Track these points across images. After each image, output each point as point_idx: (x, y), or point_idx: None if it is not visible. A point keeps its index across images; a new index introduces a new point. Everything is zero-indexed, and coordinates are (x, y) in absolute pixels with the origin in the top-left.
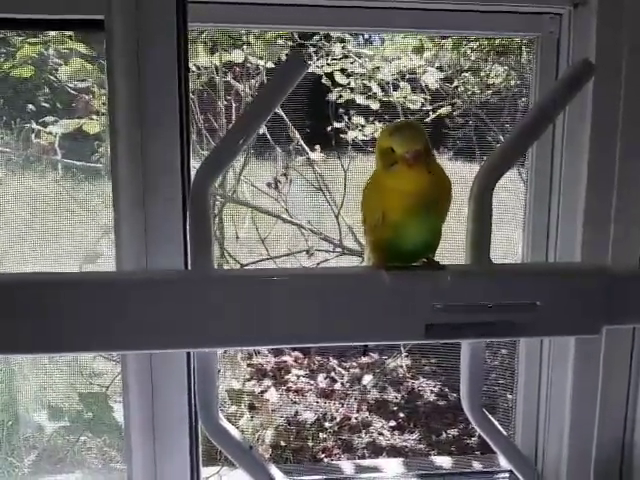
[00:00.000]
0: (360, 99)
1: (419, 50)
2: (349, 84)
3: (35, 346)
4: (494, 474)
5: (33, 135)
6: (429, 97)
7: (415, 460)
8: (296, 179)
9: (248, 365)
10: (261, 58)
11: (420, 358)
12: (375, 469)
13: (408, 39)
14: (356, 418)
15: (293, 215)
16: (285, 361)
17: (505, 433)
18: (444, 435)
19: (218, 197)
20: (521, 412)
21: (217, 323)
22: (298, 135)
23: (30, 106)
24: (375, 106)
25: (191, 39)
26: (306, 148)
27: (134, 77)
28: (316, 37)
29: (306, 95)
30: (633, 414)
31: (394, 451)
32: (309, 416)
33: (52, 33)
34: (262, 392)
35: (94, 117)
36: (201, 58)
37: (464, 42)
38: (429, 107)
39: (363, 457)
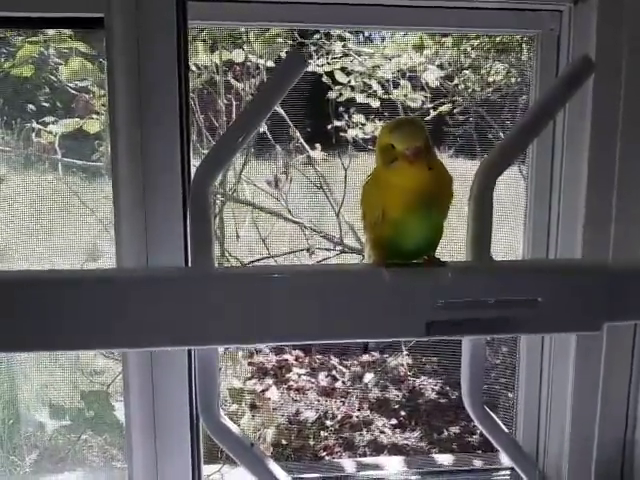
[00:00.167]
0: (360, 97)
1: (419, 48)
2: (349, 82)
3: (35, 343)
4: (495, 471)
5: (33, 134)
6: (429, 95)
7: (416, 458)
8: (296, 178)
9: (249, 364)
10: (261, 57)
11: (421, 356)
12: (376, 467)
13: (408, 37)
14: (357, 416)
15: (294, 214)
16: (286, 359)
17: (507, 430)
18: (445, 433)
19: (218, 196)
20: (522, 410)
21: (218, 321)
22: (298, 134)
23: (30, 105)
24: (375, 104)
25: (191, 38)
26: (306, 147)
27: (134, 76)
28: (316, 36)
29: (306, 94)
30: (634, 412)
31: (395, 449)
32: (310, 414)
33: (52, 32)
34: (263, 391)
35: (94, 116)
36: (201, 57)
37: (464, 40)
38: (429, 105)
39: (364, 455)
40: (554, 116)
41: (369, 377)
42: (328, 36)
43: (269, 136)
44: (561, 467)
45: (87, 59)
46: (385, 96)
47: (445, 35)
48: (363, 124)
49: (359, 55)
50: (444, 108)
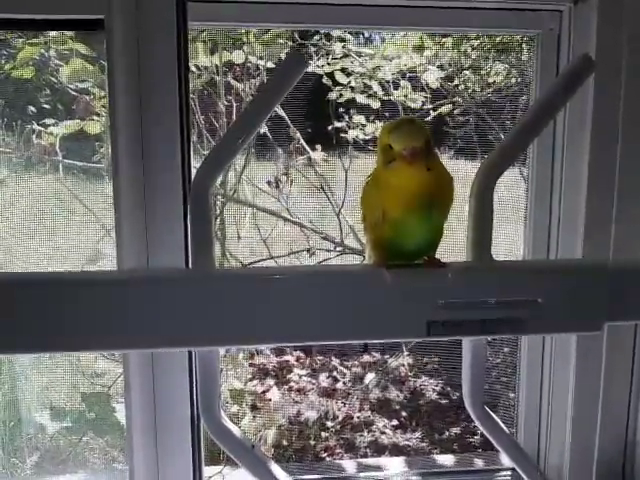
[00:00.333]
0: (361, 98)
1: (419, 48)
2: (349, 83)
3: (36, 345)
4: (496, 472)
5: (34, 136)
6: (430, 96)
7: (417, 458)
8: (297, 178)
9: (250, 365)
10: (261, 58)
11: (422, 357)
12: (377, 468)
13: (408, 37)
14: (358, 417)
15: (294, 214)
16: (287, 360)
17: (507, 431)
18: (446, 433)
19: (219, 197)
20: (523, 410)
21: (219, 322)
22: (299, 135)
23: (31, 107)
24: (376, 105)
25: (191, 39)
26: (307, 147)
27: (134, 77)
28: (316, 37)
29: (307, 94)
30: (635, 412)
31: (396, 450)
32: (311, 415)
33: (52, 33)
34: (264, 392)
35: (95, 117)
36: (201, 58)
37: (464, 40)
38: (430, 106)
39: (365, 456)
40: (554, 116)
41: (370, 378)
42: (328, 37)
43: (269, 137)
44: (562, 468)
45: (87, 60)
46: (385, 97)
47: (445, 36)
48: (363, 125)
49: (359, 56)
50: (444, 109)
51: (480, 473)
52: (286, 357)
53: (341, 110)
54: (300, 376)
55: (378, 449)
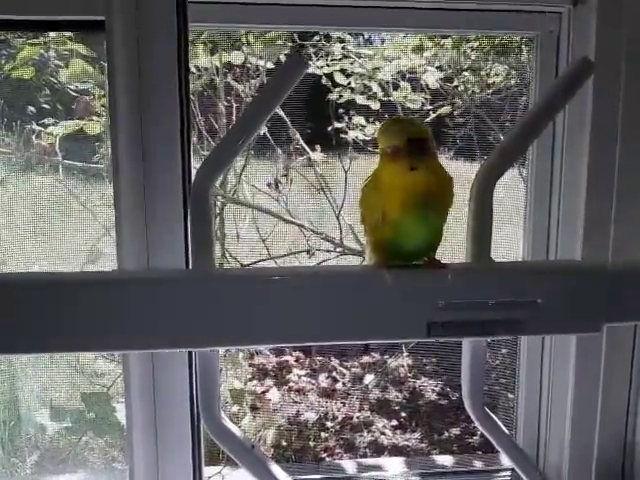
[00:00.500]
0: (360, 99)
1: (419, 50)
2: (349, 84)
3: (36, 345)
4: (496, 472)
5: (34, 136)
6: (429, 97)
7: (417, 459)
8: (297, 179)
9: (250, 365)
10: (261, 59)
11: (421, 357)
12: (377, 468)
13: (408, 39)
14: (358, 417)
15: (294, 215)
16: (286, 361)
17: (507, 431)
18: (446, 434)
19: (219, 197)
20: (522, 411)
21: (218, 322)
22: (298, 135)
23: (31, 107)
24: (375, 106)
25: (191, 40)
26: (306, 148)
27: (135, 77)
28: (316, 37)
29: (306, 95)
30: (634, 412)
31: (396, 450)
32: (311, 416)
33: (52, 34)
34: (264, 392)
35: (94, 118)
36: (201, 59)
37: (464, 41)
38: (429, 107)
39: (365, 456)
40: (554, 117)
41: (369, 378)
42: (328, 38)
43: (269, 138)
44: (561, 468)
45: (87, 61)
46: (385, 98)
47: (445, 37)
48: (363, 126)
49: (359, 57)
50: (444, 110)
51: (479, 474)
52: (285, 357)
53: (341, 111)
54: (299, 376)
55: (377, 449)
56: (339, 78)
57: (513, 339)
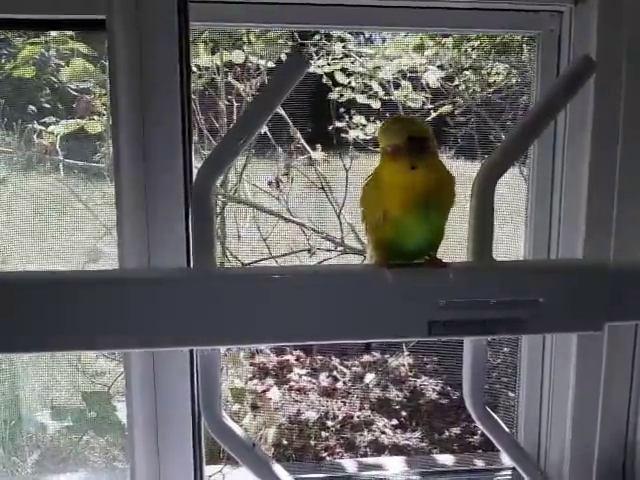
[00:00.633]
0: (361, 98)
1: (420, 49)
2: (350, 83)
3: (37, 344)
4: (497, 472)
5: (35, 135)
6: (430, 96)
7: (417, 458)
8: (297, 178)
9: (250, 364)
10: (262, 58)
11: (422, 356)
12: (378, 467)
13: (409, 38)
14: (358, 416)
15: (294, 214)
16: (287, 360)
17: (508, 430)
18: (446, 433)
19: (220, 196)
20: (523, 410)
21: (220, 321)
22: (299, 134)
23: (31, 106)
24: (376, 105)
25: (191, 39)
26: (307, 147)
27: (136, 77)
28: (316, 36)
29: (307, 94)
30: (635, 411)
31: (396, 449)
32: (311, 415)
33: (53, 33)
34: (264, 391)
35: (95, 117)
36: (202, 58)
37: (465, 40)
38: (430, 106)
39: (365, 455)
40: (555, 116)
41: (370, 377)
42: (328, 37)
43: (270, 137)
44: (562, 467)
45: (88, 60)
46: (386, 97)
47: (446, 36)
48: (364, 125)
49: (360, 56)
50: (445, 109)
51: (480, 473)
52: (286, 356)
53: (341, 110)
54: (300, 375)
55: (378, 449)
56: (340, 77)
57: (514, 338)
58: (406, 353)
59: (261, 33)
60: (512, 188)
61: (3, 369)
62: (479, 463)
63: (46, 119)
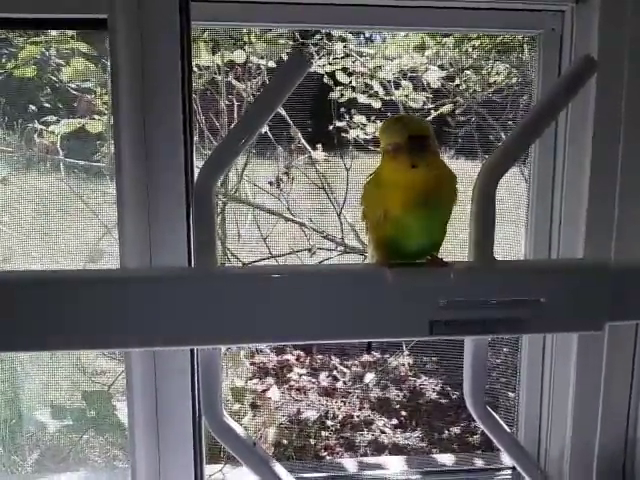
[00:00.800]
0: (362, 98)
1: (421, 48)
2: (351, 83)
3: (38, 343)
4: (497, 471)
5: (35, 135)
6: (431, 95)
7: (417, 458)
8: (298, 178)
9: (251, 363)
10: (262, 58)
11: (422, 356)
12: (377, 467)
13: (410, 37)
14: (358, 416)
15: (295, 214)
16: (287, 359)
17: (508, 430)
18: (446, 433)
19: (220, 196)
20: (524, 409)
21: (220, 320)
22: (300, 134)
23: (32, 106)
24: (377, 105)
25: (192, 39)
26: (308, 147)
27: (137, 76)
28: (317, 36)
29: (308, 94)
30: (636, 410)
31: (396, 449)
32: (311, 414)
33: (54, 33)
34: (264, 390)
35: (96, 116)
36: (203, 58)
37: (466, 40)
38: (431, 105)
39: (365, 455)
40: (556, 116)
41: (370, 377)
42: (329, 37)
43: (270, 136)
44: (563, 466)
45: (89, 60)
46: (386, 97)
47: (446, 35)
48: (364, 124)
49: (360, 56)
50: (445, 108)
51: (480, 472)
52: (286, 356)
53: (342, 110)
54: (300, 375)
55: (378, 448)
56: (341, 77)
57: (514, 338)
58: (406, 353)
59: (262, 33)
60: (513, 188)
61: (3, 368)
62: (479, 463)
63: (47, 118)
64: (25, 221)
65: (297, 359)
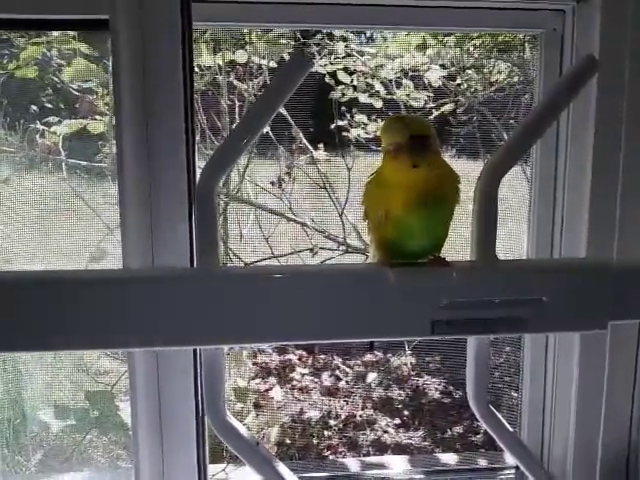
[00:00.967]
0: (363, 97)
1: (422, 47)
2: (352, 82)
3: (40, 344)
4: (500, 470)
5: (37, 135)
6: (432, 95)
7: (420, 457)
8: (299, 177)
9: (253, 363)
10: (264, 57)
11: (424, 356)
12: (380, 466)
13: (411, 36)
14: (361, 416)
15: (297, 214)
16: (290, 359)
17: (511, 429)
18: (449, 432)
19: (222, 196)
20: (527, 409)
21: (223, 320)
22: (301, 134)
23: (34, 107)
24: (378, 104)
25: (194, 39)
26: (309, 147)
27: (139, 76)
28: (318, 36)
29: (309, 94)
30: (639, 410)
31: (399, 448)
32: (314, 414)
33: (55, 33)
34: (267, 390)
35: (98, 117)
36: (204, 58)
37: (467, 39)
38: (432, 104)
39: (368, 454)
40: (558, 115)
41: (372, 377)
42: (330, 36)
43: (272, 136)
44: (566, 466)
45: (90, 60)
46: (388, 96)
47: (448, 35)
48: (366, 124)
49: (361, 55)
50: (447, 108)
51: (483, 471)
52: (289, 356)
53: (343, 109)
54: (303, 375)
55: (381, 448)
56: (342, 76)
57: (517, 337)
58: (408, 352)
59: (263, 33)
60: (515, 187)
61: (7, 369)
62: (482, 462)
63: (49, 119)
64: (27, 222)
65: (299, 359)
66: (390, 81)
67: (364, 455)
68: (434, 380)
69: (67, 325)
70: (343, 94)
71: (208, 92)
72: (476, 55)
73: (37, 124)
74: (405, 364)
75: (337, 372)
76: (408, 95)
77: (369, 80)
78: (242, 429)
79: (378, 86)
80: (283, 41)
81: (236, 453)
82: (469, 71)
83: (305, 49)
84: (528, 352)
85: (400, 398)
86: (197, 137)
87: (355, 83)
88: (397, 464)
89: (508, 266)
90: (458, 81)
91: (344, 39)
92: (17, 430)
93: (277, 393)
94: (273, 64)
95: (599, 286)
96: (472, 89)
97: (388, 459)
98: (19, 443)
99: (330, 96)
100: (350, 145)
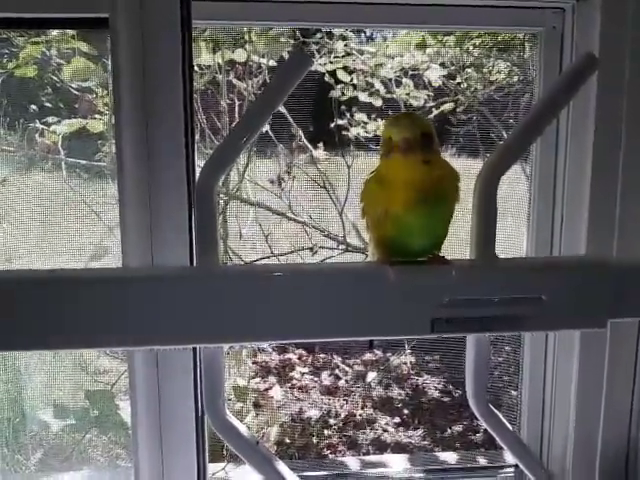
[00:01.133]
0: (363, 96)
1: (422, 46)
2: (352, 81)
3: (40, 342)
4: (500, 469)
5: (37, 135)
6: (432, 93)
7: (420, 456)
8: (299, 176)
9: (253, 363)
10: (263, 56)
11: (424, 355)
12: (380, 465)
13: (411, 35)
14: (360, 415)
15: (296, 212)
16: (289, 358)
17: (511, 428)
18: (449, 431)
19: (222, 195)
20: (526, 407)
21: (223, 319)
22: (301, 133)
23: (33, 106)
24: (378, 103)
25: (193, 38)
26: (309, 146)
27: (139, 75)
28: (318, 35)
29: (309, 93)
30: (638, 408)
31: (399, 447)
32: (314, 413)
33: (55, 32)
34: (267, 389)
35: (97, 116)
36: (203, 57)
37: (467, 38)
38: (432, 103)
39: (368, 453)
40: (558, 114)
41: (372, 376)
42: (330, 35)
43: (272, 135)
44: (565, 464)
45: (89, 59)
46: (387, 95)
47: (447, 33)
48: (365, 123)
49: (361, 54)
50: (447, 107)
51: (483, 470)
52: (288, 355)
53: (343, 108)
54: (302, 374)
55: (380, 446)
56: (342, 75)
57: (516, 336)
58: (408, 351)
59: (263, 31)
60: (514, 186)
61: (7, 368)
62: (482, 461)
63: (48, 118)
64: (27, 221)
65: (299, 358)
66: (390, 80)
67: (364, 454)
68: (434, 379)
69: (67, 324)
70: (343, 93)
71: (207, 91)
72: (476, 54)
73: (36, 123)
74: (405, 363)
75: (337, 371)
76: (408, 94)
77: (369, 79)
78: (242, 428)
79: (378, 85)
80: (282, 40)
81: (236, 452)
82: (469, 70)
83: (304, 48)
84: (528, 350)
85: (400, 397)
86: (197, 136)
87: (355, 82)
88: (397, 463)
89: (508, 264)
90: (458, 80)
91: (344, 38)
92: (17, 429)
93: (277, 392)
94: (272, 63)
95: (599, 284)
96: (472, 88)
97: (388, 458)
98: (19, 442)
99: (330, 95)
100: (350, 144)
